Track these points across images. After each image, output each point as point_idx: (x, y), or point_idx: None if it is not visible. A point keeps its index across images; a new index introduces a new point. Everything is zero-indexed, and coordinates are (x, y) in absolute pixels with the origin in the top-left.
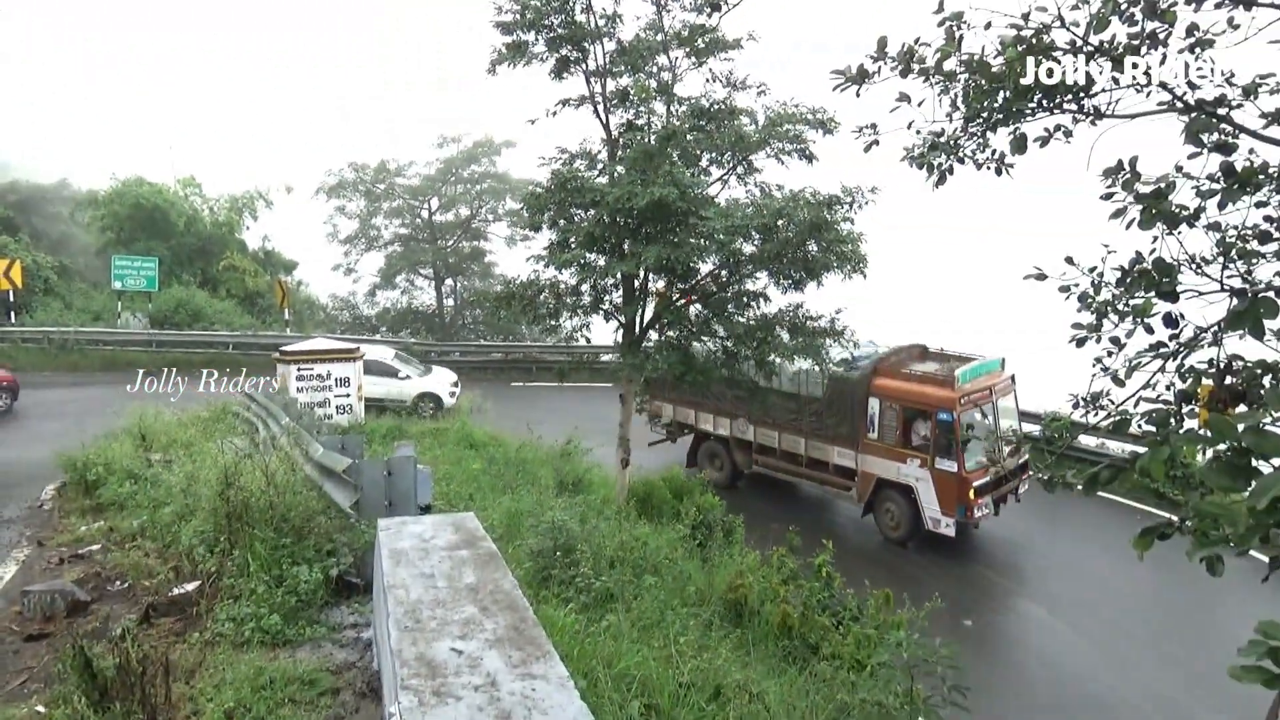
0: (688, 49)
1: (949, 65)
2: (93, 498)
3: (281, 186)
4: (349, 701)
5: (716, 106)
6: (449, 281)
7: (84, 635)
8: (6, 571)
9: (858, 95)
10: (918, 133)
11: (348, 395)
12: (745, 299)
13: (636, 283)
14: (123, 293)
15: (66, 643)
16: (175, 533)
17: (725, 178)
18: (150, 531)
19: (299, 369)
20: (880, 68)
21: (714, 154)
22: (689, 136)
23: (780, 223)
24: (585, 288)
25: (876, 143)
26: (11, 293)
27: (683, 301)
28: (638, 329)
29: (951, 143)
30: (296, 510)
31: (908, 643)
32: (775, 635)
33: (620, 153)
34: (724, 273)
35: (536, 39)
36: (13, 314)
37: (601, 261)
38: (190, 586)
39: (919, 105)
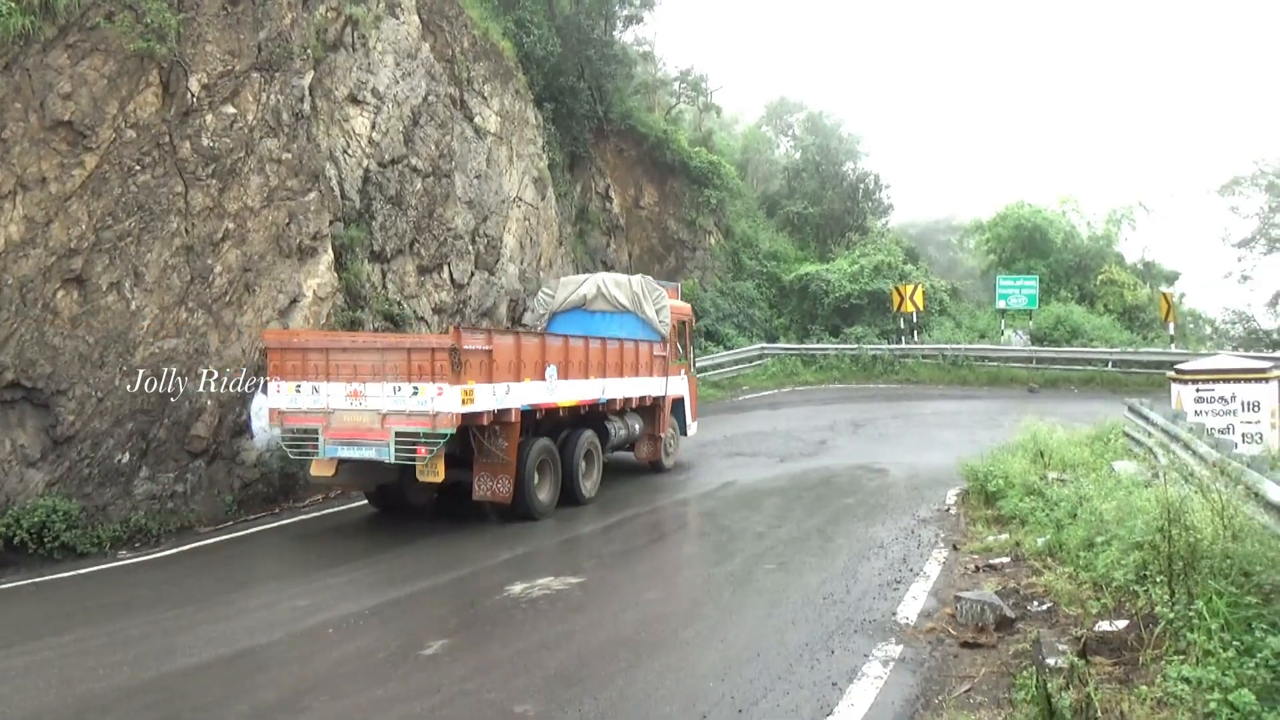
0: None
1: None
2: (993, 508)
3: (1164, 192)
4: None
5: None
6: None
7: (1015, 655)
8: (932, 571)
9: None
10: None
11: (1257, 421)
12: None
13: None
14: (1005, 311)
15: (1003, 661)
16: (1088, 559)
17: None
18: (1058, 554)
19: (1198, 389)
20: None
21: None
22: None
23: None
24: None
25: None
26: (915, 314)
27: None
28: None
29: None
30: (1261, 563)
31: None
32: None
33: None
34: None
35: None
36: (915, 333)
37: None
38: (1119, 624)
39: None
